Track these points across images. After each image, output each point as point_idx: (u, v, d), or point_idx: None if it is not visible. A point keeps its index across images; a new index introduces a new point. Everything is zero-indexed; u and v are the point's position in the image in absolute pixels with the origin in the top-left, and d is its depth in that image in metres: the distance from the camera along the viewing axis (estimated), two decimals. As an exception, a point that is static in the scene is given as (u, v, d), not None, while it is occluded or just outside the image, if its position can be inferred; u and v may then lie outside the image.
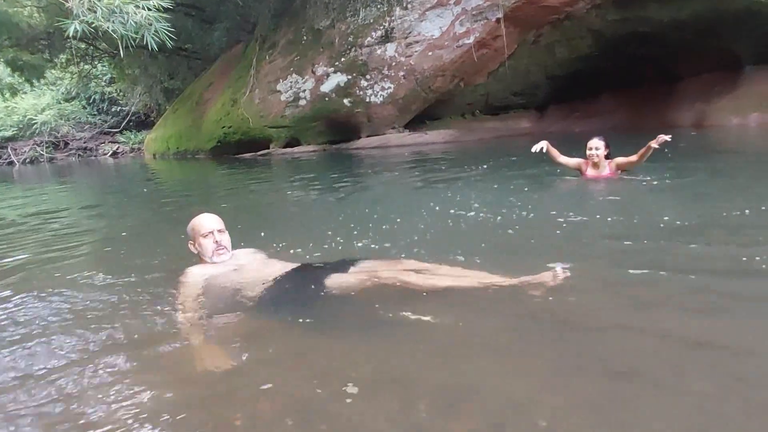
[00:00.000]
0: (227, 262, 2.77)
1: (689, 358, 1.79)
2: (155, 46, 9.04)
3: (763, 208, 3.45)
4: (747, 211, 3.40)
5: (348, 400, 1.64)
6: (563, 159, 5.30)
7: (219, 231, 2.80)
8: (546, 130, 12.46)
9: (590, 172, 5.14)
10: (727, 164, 6.22)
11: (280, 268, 2.63)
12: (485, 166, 6.92)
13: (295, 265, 2.65)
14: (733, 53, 10.20)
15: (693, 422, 1.45)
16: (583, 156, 5.22)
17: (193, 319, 2.32)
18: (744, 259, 2.57)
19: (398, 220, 4.04)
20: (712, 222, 3.38)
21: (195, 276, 2.64)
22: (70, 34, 8.54)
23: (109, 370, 1.95)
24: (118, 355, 2.06)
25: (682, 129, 10.08)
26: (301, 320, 2.25)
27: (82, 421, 1.64)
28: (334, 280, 2.42)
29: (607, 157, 5.10)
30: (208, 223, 2.82)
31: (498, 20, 10.79)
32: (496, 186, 5.33)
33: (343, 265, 2.56)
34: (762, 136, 8.66)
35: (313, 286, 2.41)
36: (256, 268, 2.69)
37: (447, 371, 1.80)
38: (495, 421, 1.52)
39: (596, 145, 5.07)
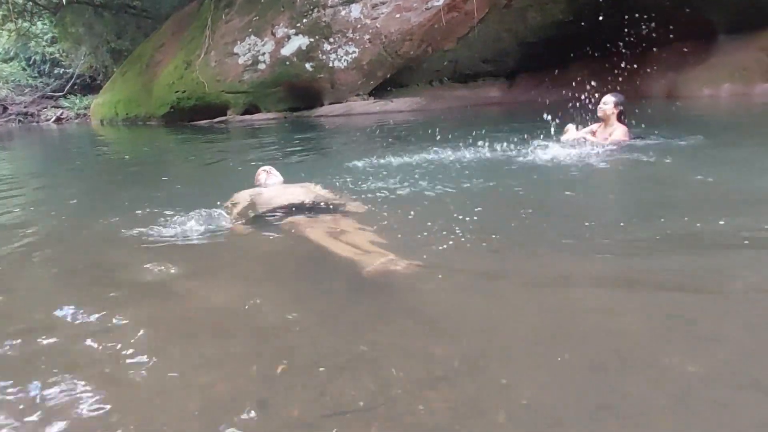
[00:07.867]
0: (275, 186, 3.75)
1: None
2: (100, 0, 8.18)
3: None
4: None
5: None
6: (579, 135, 5.01)
7: (267, 171, 3.89)
8: (516, 100, 12.09)
9: (599, 134, 4.89)
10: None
11: (288, 198, 3.41)
12: (455, 135, 6.43)
13: (296, 200, 3.38)
14: (707, 21, 9.95)
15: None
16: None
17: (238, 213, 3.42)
18: None
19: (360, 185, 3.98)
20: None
21: (245, 191, 3.71)
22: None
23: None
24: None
25: (653, 99, 9.88)
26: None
27: None
28: (291, 220, 3.12)
29: (620, 119, 4.82)
30: (261, 169, 3.95)
31: (469, -19, 10.26)
32: (462, 159, 4.89)
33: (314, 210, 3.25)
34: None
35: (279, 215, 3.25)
36: (276, 195, 3.51)
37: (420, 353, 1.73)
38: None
39: (605, 100, 4.83)
